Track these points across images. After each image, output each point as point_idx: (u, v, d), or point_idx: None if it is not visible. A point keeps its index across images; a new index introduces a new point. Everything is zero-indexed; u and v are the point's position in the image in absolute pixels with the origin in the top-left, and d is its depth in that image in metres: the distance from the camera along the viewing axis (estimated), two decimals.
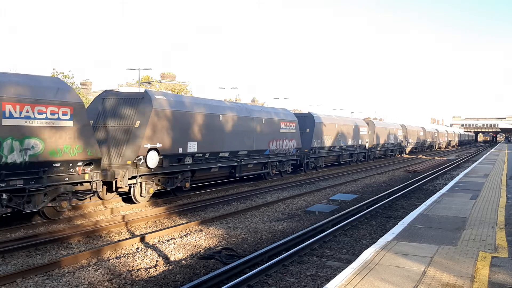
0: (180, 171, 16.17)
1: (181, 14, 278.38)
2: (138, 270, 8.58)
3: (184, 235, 11.21)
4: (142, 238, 10.57)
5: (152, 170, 14.74)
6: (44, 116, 11.15)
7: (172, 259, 9.31)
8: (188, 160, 16.43)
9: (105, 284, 7.78)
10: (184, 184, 16.45)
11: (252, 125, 20.33)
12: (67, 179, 11.91)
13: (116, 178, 13.49)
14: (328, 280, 7.36)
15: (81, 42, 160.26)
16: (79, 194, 12.82)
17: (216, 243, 10.60)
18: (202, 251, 9.91)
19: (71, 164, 11.88)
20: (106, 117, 15.14)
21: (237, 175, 19.76)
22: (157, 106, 14.87)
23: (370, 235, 11.62)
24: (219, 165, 18.18)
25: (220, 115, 18.13)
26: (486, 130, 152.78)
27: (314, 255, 9.66)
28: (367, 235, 11.57)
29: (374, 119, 49.27)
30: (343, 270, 6.85)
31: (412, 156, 49.41)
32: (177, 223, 12.62)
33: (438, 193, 15.61)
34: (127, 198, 15.12)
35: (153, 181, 15.12)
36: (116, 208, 14.15)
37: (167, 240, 10.66)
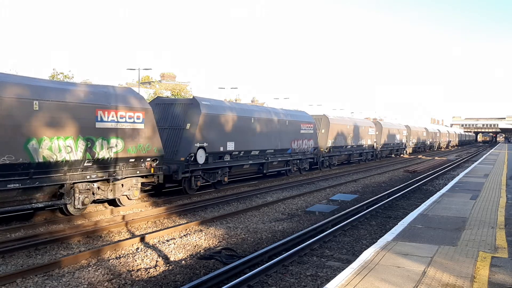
0: (221, 167, 18.52)
1: (181, 14, 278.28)
2: (138, 270, 8.58)
3: (184, 235, 11.21)
4: (142, 238, 10.57)
5: (200, 165, 16.99)
6: (124, 120, 13.53)
7: (172, 259, 9.31)
8: (227, 158, 18.78)
9: (105, 284, 7.78)
10: (223, 178, 18.82)
11: (278, 127, 22.54)
12: (138, 172, 14.26)
13: (172, 172, 15.85)
14: (328, 280, 7.36)
15: (81, 42, 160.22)
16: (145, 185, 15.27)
17: (216, 243, 10.60)
18: (202, 251, 9.90)
19: (142, 160, 14.30)
20: (160, 120, 17.00)
21: (264, 171, 21.94)
22: (204, 110, 17.24)
23: (370, 235, 11.62)
24: (250, 162, 20.47)
25: (252, 118, 20.50)
26: (486, 130, 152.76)
27: (314, 255, 9.66)
28: (367, 235, 11.56)
29: (380, 120, 50.95)
30: (343, 270, 6.84)
31: (412, 156, 49.42)
32: (177, 223, 12.61)
33: (438, 193, 15.60)
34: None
35: (199, 176, 17.25)
36: (116, 208, 14.14)
37: (167, 240, 10.65)
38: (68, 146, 11.93)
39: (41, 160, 11.30)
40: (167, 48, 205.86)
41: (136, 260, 9.11)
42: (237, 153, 19.14)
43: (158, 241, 10.57)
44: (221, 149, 18.18)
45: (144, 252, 9.71)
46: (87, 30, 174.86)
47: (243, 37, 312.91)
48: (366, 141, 36.31)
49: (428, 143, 64.47)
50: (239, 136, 19.20)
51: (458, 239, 8.74)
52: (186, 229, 11.80)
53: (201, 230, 11.71)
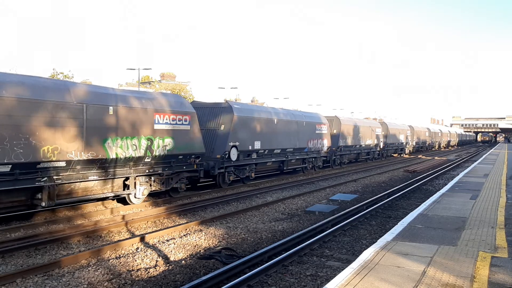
0: (249, 164, 20.63)
1: (181, 14, 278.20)
2: (138, 270, 8.58)
3: (184, 235, 11.21)
4: (142, 238, 10.57)
5: (232, 162, 19.04)
6: (175, 122, 15.53)
7: (172, 259, 9.31)
8: (254, 155, 20.87)
9: (105, 284, 7.78)
10: (251, 174, 20.96)
11: (296, 127, 24.55)
12: (184, 167, 16.34)
13: (210, 168, 17.88)
14: (328, 280, 7.37)
15: (81, 42, 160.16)
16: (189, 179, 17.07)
17: (216, 243, 10.60)
18: (202, 251, 9.90)
19: (188, 157, 16.35)
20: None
21: (284, 168, 24.04)
22: (236, 113, 19.27)
23: (370, 235, 11.61)
24: (273, 159, 22.62)
25: (275, 119, 22.53)
26: (486, 130, 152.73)
27: (314, 255, 9.66)
28: (367, 235, 11.56)
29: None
30: (343, 270, 6.84)
31: (412, 156, 49.43)
32: (177, 223, 12.61)
33: (438, 193, 15.60)
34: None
35: (232, 171, 19.32)
36: (116, 208, 14.15)
37: (167, 240, 10.65)
38: (134, 144, 14.03)
39: (114, 156, 13.35)
40: (167, 48, 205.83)
41: (136, 260, 9.11)
42: (262, 151, 21.27)
43: (158, 241, 10.57)
44: (250, 147, 20.27)
45: (144, 252, 9.71)
46: (87, 30, 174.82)
47: (243, 37, 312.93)
48: (373, 141, 38.29)
49: (430, 142, 65.90)
50: (264, 136, 21.32)
51: (458, 239, 8.74)
52: (186, 229, 11.79)
53: (201, 230, 11.71)
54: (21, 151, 10.89)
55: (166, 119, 15.20)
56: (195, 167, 16.73)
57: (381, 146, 40.75)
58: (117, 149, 13.36)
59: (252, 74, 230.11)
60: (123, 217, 12.96)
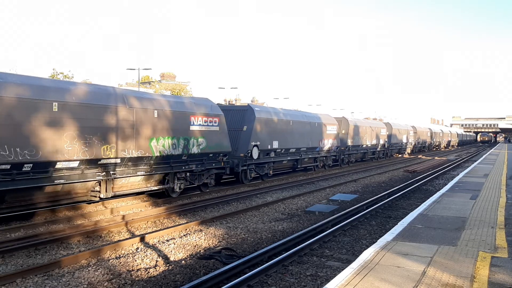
0: (267, 162, 22.14)
1: (181, 13, 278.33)
2: (138, 270, 8.58)
3: (184, 235, 11.21)
4: (142, 238, 10.57)
5: (254, 160, 20.67)
6: (206, 123, 17.15)
7: (172, 259, 9.31)
8: (272, 154, 22.40)
9: (105, 284, 7.78)
10: (269, 171, 22.42)
11: (309, 128, 26.18)
12: (213, 164, 17.84)
13: (235, 165, 19.55)
14: (328, 280, 7.37)
15: (81, 42, 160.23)
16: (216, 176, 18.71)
17: (216, 243, 10.60)
18: (202, 251, 9.90)
19: (216, 155, 17.89)
20: None
21: (298, 166, 25.85)
22: (258, 115, 20.94)
23: (370, 235, 11.61)
24: (288, 158, 24.16)
25: (291, 121, 24.13)
26: (486, 130, 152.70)
27: (314, 255, 9.66)
28: (367, 235, 11.56)
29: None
30: (343, 270, 6.84)
31: (412, 156, 49.45)
32: (177, 223, 12.61)
33: (438, 193, 15.60)
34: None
35: (253, 169, 20.97)
36: (116, 208, 14.15)
37: (167, 240, 10.65)
38: (173, 144, 15.57)
39: (158, 154, 14.89)
40: (167, 48, 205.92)
41: (136, 260, 9.11)
42: (279, 150, 22.87)
43: (158, 241, 10.57)
44: (269, 147, 21.85)
45: (144, 252, 9.71)
46: (86, 30, 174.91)
47: (243, 37, 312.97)
48: (379, 141, 39.83)
49: (431, 142, 67.39)
50: (281, 136, 22.90)
51: (458, 239, 8.74)
52: (186, 229, 11.79)
53: (201, 230, 11.71)
54: (86, 149, 12.55)
55: (200, 121, 16.86)
56: (222, 164, 18.33)
57: (386, 146, 42.30)
58: (160, 147, 14.97)
59: (252, 74, 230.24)
60: (123, 217, 12.96)
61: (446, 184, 20.08)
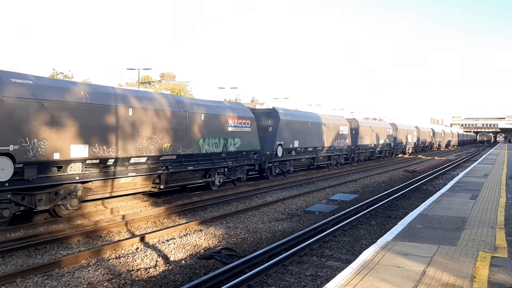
0: (289, 160, 24.53)
1: (181, 13, 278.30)
2: (138, 270, 8.58)
3: (184, 235, 11.21)
4: (142, 238, 10.57)
5: (278, 158, 22.89)
6: (241, 125, 19.50)
7: (172, 259, 9.31)
8: (293, 153, 24.75)
9: (104, 284, 7.78)
10: (290, 168, 24.93)
11: (324, 128, 28.54)
12: (246, 161, 20.26)
13: (262, 163, 21.71)
14: (327, 280, 7.36)
15: (81, 42, 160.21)
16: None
17: (216, 243, 10.60)
18: (202, 251, 9.90)
19: (248, 153, 20.27)
20: None
21: (315, 164, 28.62)
22: (282, 117, 23.24)
23: (370, 235, 11.61)
24: (306, 156, 26.66)
25: (309, 122, 26.49)
26: (486, 130, 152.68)
27: (314, 255, 9.66)
28: (367, 235, 11.56)
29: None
30: (343, 270, 6.84)
31: (412, 156, 49.45)
32: (177, 223, 12.61)
33: (437, 193, 15.60)
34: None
35: (277, 166, 23.28)
36: (116, 208, 14.15)
37: (167, 240, 10.65)
38: (215, 143, 17.77)
39: (204, 152, 17.16)
40: (167, 48, 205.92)
41: (136, 260, 9.11)
42: (299, 149, 25.21)
43: (158, 241, 10.57)
44: (291, 146, 24.08)
45: (144, 252, 9.71)
46: (86, 29, 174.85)
47: (243, 37, 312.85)
48: (385, 140, 42.19)
49: (433, 142, 69.60)
50: (301, 136, 25.18)
51: (458, 239, 8.75)
52: (186, 229, 11.79)
53: (201, 230, 11.71)
54: (152, 147, 14.78)
55: (236, 123, 19.13)
56: (252, 161, 20.77)
57: (392, 145, 44.53)
58: (205, 146, 17.22)
59: (252, 74, 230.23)
60: (123, 217, 12.96)
61: (446, 184, 20.07)
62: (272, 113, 23.46)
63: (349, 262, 8.35)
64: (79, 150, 12.37)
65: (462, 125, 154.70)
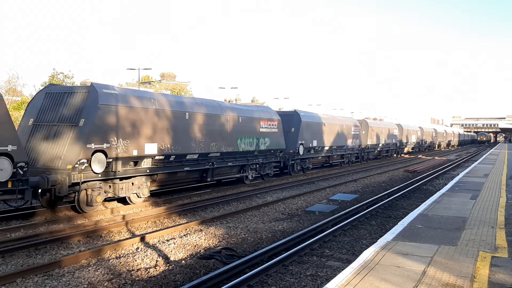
0: (308, 157, 26.76)
1: (181, 13, 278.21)
2: (138, 270, 8.57)
3: (184, 235, 11.21)
4: (142, 238, 10.57)
5: (300, 156, 25.19)
6: (270, 126, 21.73)
7: (172, 259, 9.31)
8: (312, 151, 27.04)
9: (105, 284, 7.78)
10: (309, 165, 27.17)
11: (338, 129, 30.92)
12: (273, 159, 22.38)
13: (286, 160, 23.78)
14: (328, 280, 7.36)
15: (81, 42, 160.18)
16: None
17: (216, 243, 10.60)
18: (202, 251, 9.90)
19: (275, 151, 22.37)
20: None
21: (330, 161, 30.94)
22: (303, 119, 25.48)
23: (370, 235, 11.61)
24: (323, 154, 29.01)
25: (324, 123, 28.55)
26: (486, 130, 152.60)
27: (314, 255, 9.66)
28: (367, 235, 11.56)
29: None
30: (343, 270, 6.84)
31: (412, 156, 49.45)
32: (177, 223, 12.61)
33: (438, 193, 15.60)
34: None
35: (298, 163, 25.51)
36: (116, 208, 14.15)
37: (167, 240, 10.65)
38: (249, 142, 20.03)
39: (241, 150, 19.39)
40: (167, 48, 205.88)
41: (136, 260, 9.11)
42: (317, 148, 27.50)
43: (158, 241, 10.57)
44: (310, 145, 26.28)
45: (144, 252, 9.70)
46: (86, 29, 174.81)
47: (243, 37, 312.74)
48: (392, 140, 44.33)
49: (435, 142, 71.62)
50: (319, 136, 27.47)
51: (458, 239, 8.74)
52: (186, 229, 11.79)
53: (201, 230, 11.71)
54: (202, 145, 17.01)
55: (265, 124, 21.37)
56: (279, 158, 22.83)
57: (398, 145, 46.77)
58: (242, 145, 19.43)
59: (252, 74, 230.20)
60: (123, 217, 12.96)
61: (446, 184, 20.07)
62: (294, 115, 25.65)
63: (349, 262, 8.35)
64: (151, 148, 14.69)
65: (462, 125, 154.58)
